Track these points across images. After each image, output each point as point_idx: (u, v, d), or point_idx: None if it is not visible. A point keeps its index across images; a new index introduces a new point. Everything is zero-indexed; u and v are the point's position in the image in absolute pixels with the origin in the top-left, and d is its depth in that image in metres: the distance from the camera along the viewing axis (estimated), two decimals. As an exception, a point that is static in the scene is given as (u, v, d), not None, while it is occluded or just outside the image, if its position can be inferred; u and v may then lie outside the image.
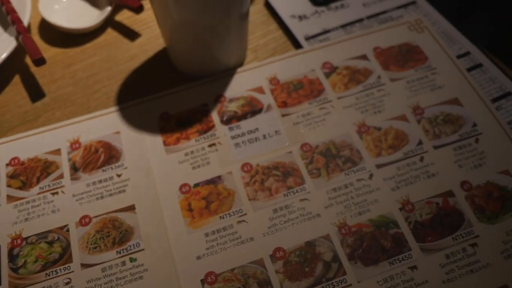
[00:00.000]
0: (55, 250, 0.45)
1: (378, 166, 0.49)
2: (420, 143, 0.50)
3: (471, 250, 0.44)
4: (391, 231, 0.45)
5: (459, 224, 0.45)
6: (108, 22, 0.62)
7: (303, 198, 0.47)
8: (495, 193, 0.47)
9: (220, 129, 0.52)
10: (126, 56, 0.59)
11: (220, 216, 0.46)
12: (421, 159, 0.49)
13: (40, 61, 0.53)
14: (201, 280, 0.43)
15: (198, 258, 0.44)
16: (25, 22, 0.57)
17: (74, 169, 0.50)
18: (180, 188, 0.48)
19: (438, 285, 0.42)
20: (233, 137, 0.51)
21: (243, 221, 0.46)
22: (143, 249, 0.45)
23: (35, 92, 0.56)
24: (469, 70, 0.56)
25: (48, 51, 0.59)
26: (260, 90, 0.54)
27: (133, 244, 0.45)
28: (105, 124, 0.53)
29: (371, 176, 0.48)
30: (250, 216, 0.46)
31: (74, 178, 0.49)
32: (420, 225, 0.45)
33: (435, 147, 0.50)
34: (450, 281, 0.43)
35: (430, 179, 0.48)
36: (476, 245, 0.44)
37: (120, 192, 0.48)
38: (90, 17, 0.61)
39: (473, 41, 0.58)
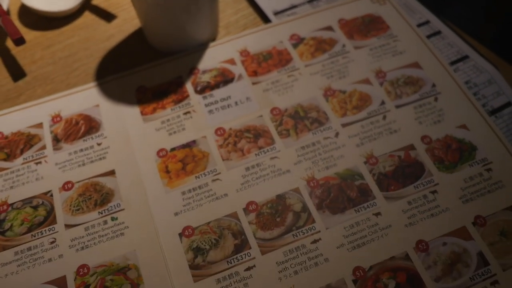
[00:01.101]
0: (39, 213, 0.48)
1: (344, 125, 0.52)
2: (382, 103, 0.53)
3: (431, 197, 0.47)
4: (357, 182, 0.48)
5: (420, 174, 0.49)
6: (85, 6, 0.65)
7: (274, 156, 0.50)
8: (453, 145, 0.51)
9: (194, 98, 0.55)
10: (103, 37, 0.61)
11: (195, 176, 0.49)
12: (384, 117, 0.52)
13: (20, 41, 0.56)
14: (179, 234, 0.46)
15: (176, 214, 0.47)
16: (5, 7, 0.59)
17: (56, 140, 0.52)
18: (158, 152, 0.51)
19: (401, 229, 0.45)
20: (206, 105, 0.54)
21: (218, 179, 0.49)
22: (123, 209, 0.48)
23: (17, 72, 0.59)
24: (428, 37, 0.60)
25: (28, 34, 0.62)
26: (231, 61, 0.57)
27: (114, 205, 0.48)
28: (85, 98, 0.55)
29: (337, 134, 0.51)
30: (224, 175, 0.49)
31: (56, 148, 0.52)
32: (383, 176, 0.49)
33: (397, 106, 0.53)
34: (412, 225, 0.46)
35: (392, 135, 0.51)
36: (436, 192, 0.48)
37: (100, 159, 0.51)
38: (68, 0, 0.63)
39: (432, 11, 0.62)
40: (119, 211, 0.47)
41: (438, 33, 0.60)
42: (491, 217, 0.47)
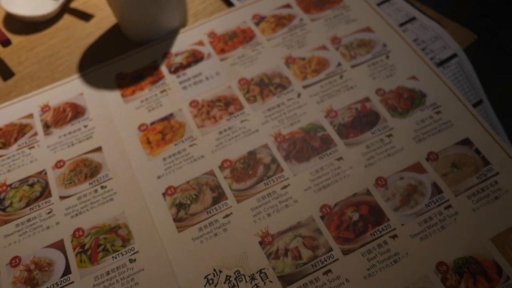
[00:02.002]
0: (36, 190, 0.53)
1: (305, 87, 0.57)
2: (339, 65, 0.59)
3: (387, 140, 0.53)
4: (319, 134, 0.54)
5: (376, 121, 0.54)
6: (64, 9, 0.71)
7: (243, 119, 0.55)
8: (405, 94, 0.56)
9: (169, 78, 0.60)
10: (83, 34, 0.67)
11: (174, 144, 0.54)
12: (341, 77, 0.58)
13: (6, 42, 0.61)
14: (163, 194, 0.51)
15: (159, 177, 0.52)
16: (-10, 15, 0.65)
17: (46, 126, 0.58)
18: (139, 127, 0.56)
19: (361, 169, 0.51)
20: (180, 83, 0.59)
21: (194, 144, 0.54)
22: (111, 178, 0.53)
23: (5, 73, 0.64)
24: (378, 5, 0.65)
25: (13, 39, 0.68)
26: (200, 43, 0.63)
27: (103, 176, 0.53)
28: (70, 89, 0.61)
29: (299, 95, 0.57)
30: (200, 140, 0.54)
31: (47, 133, 0.57)
32: (343, 126, 0.54)
33: (352, 66, 0.59)
34: (371, 165, 0.51)
35: (349, 91, 0.57)
36: (391, 135, 0.53)
37: (87, 138, 0.56)
38: (48, 5, 0.69)
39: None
40: (107, 180, 0.53)
41: (387, 1, 0.66)
42: (442, 152, 0.52)
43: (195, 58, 0.61)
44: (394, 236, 0.47)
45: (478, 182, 0.49)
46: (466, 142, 0.52)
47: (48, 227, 0.50)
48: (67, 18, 0.69)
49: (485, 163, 0.50)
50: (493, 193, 0.49)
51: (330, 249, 0.46)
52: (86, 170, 0.53)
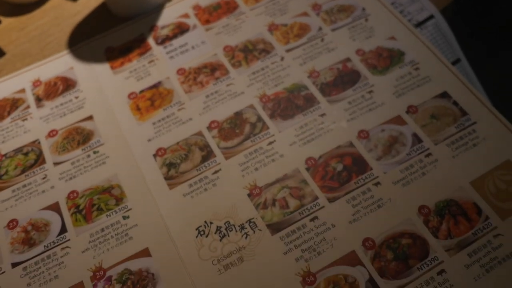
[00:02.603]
0: (30, 158, 0.54)
1: (288, 51, 0.59)
2: (320, 29, 0.61)
3: (368, 96, 0.55)
4: (303, 93, 0.55)
5: (357, 79, 0.56)
6: (52, -10, 0.72)
7: (229, 83, 0.57)
8: (384, 53, 0.58)
9: (156, 49, 0.62)
10: (71, 13, 0.69)
11: (163, 109, 0.56)
12: (322, 40, 0.60)
13: (-4, 21, 0.63)
14: (153, 155, 0.53)
15: (149, 140, 0.54)
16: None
17: (38, 100, 0.60)
18: (129, 95, 0.58)
19: (344, 123, 0.53)
20: (167, 53, 0.61)
21: (182, 108, 0.56)
22: (103, 144, 0.55)
23: (-3, 52, 0.66)
24: (357, -27, 0.67)
25: (4, 21, 0.69)
26: (186, 16, 0.65)
27: (95, 142, 0.55)
28: (60, 64, 0.63)
29: (282, 58, 0.59)
30: (188, 104, 0.56)
31: (39, 106, 0.59)
32: (325, 85, 0.56)
33: (333, 30, 0.61)
34: (353, 119, 0.53)
35: (330, 52, 0.59)
36: (372, 91, 0.55)
37: (79, 108, 0.58)
38: (36, -13, 0.71)
39: None
40: (99, 146, 0.54)
41: (365, -31, 0.68)
42: (422, 105, 0.54)
43: (181, 29, 0.63)
44: (377, 184, 0.48)
45: (457, 131, 0.51)
46: (444, 95, 0.54)
47: (43, 191, 0.51)
48: (54, 0, 0.71)
49: (462, 114, 0.52)
50: (471, 140, 0.51)
51: (316, 198, 0.48)
52: (79, 137, 0.55)
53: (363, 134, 0.51)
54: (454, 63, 0.61)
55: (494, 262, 0.44)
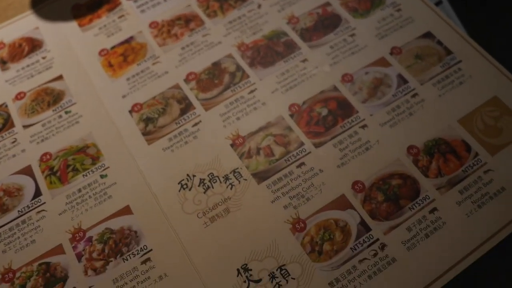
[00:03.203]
0: (-3, 122, 0.51)
1: (264, -2, 0.57)
2: (297, -26, 0.58)
3: (350, 39, 0.53)
4: (282, 39, 0.53)
5: (338, 23, 0.54)
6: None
7: (205, 34, 0.54)
8: (364, -4, 0.56)
9: (126, 4, 0.59)
10: (33, -28, 0.65)
11: (137, 64, 0.53)
12: (300, -15, 0.57)
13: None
14: (129, 111, 0.50)
15: (124, 96, 0.51)
16: None
17: (3, 62, 0.56)
18: (99, 52, 0.55)
19: (326, 68, 0.51)
20: (138, 7, 0.58)
21: (157, 62, 0.53)
22: (75, 103, 0.52)
23: (-44, 16, 0.62)
24: None
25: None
26: (155, -32, 0.62)
27: (66, 101, 0.52)
28: (24, 24, 0.59)
29: (259, 6, 0.56)
30: (163, 57, 0.53)
31: (4, 69, 0.55)
32: (305, 31, 0.54)
33: (310, -25, 0.58)
34: (336, 63, 0.51)
35: (309, -3, 0.56)
36: (354, 35, 0.53)
37: (47, 69, 0.55)
38: None
39: None
40: (71, 105, 0.51)
41: None
42: (406, 46, 0.52)
43: (151, -18, 0.59)
44: (364, 126, 0.47)
45: (442, 70, 0.50)
46: (428, 35, 0.52)
47: (14, 155, 0.49)
48: (14, -41, 0.66)
49: (447, 53, 0.51)
50: (457, 79, 0.49)
51: (302, 144, 0.46)
52: (49, 98, 0.52)
53: (347, 78, 0.49)
54: (436, 4, 0.59)
55: (486, 198, 0.43)
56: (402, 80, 0.49)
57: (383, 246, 0.41)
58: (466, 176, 0.44)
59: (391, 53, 0.51)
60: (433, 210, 0.42)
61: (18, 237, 0.44)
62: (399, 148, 0.45)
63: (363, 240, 0.41)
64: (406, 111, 0.47)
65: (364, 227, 0.42)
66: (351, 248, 0.41)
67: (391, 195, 0.43)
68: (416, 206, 0.42)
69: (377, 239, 0.41)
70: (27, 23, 0.59)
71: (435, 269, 0.40)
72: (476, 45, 0.51)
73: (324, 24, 0.53)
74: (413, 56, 0.51)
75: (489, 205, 0.42)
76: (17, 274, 0.41)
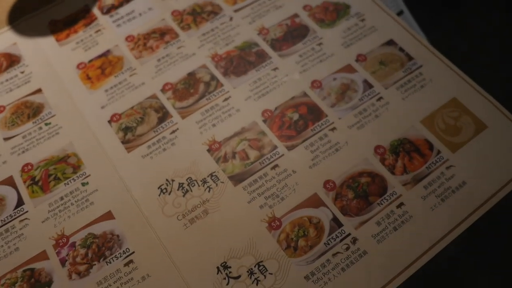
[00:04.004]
0: (-22, 135, 0.52)
1: (236, 11, 0.60)
2: (266, -12, 0.61)
3: (318, 48, 0.56)
4: (254, 50, 0.56)
5: (306, 33, 0.57)
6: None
7: (180, 46, 0.57)
8: (330, 7, 0.59)
9: (102, 19, 0.61)
10: (9, -10, 0.67)
11: (114, 76, 0.55)
12: (269, -2, 0.60)
13: None
14: (108, 121, 0.52)
15: (102, 107, 0.53)
16: None
17: (-18, 78, 0.57)
18: (77, 66, 0.57)
19: (296, 76, 0.53)
20: (114, 21, 0.60)
21: (134, 74, 0.55)
22: (54, 115, 0.53)
23: None
24: None
25: None
26: (130, -16, 0.64)
27: (46, 114, 0.53)
28: (2, 40, 0.60)
29: (231, 18, 0.59)
30: (139, 69, 0.55)
31: (-17, 84, 0.57)
32: (275, 41, 0.57)
33: (279, -11, 0.61)
34: (305, 71, 0.54)
35: (278, 9, 0.59)
36: (321, 44, 0.56)
37: (26, 83, 0.56)
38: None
39: None
40: (51, 117, 0.53)
41: None
42: (370, 53, 0.55)
43: (126, -2, 0.62)
44: (333, 129, 0.50)
45: (405, 75, 0.53)
46: (390, 42, 0.56)
47: (-5, 167, 0.50)
48: (-10, -23, 0.68)
49: (409, 59, 0.54)
50: (419, 83, 0.53)
51: (275, 147, 0.48)
52: (28, 111, 0.53)
53: (316, 84, 0.52)
54: (398, 14, 0.63)
55: (448, 192, 0.46)
56: (367, 85, 0.52)
57: (354, 240, 0.43)
58: (430, 173, 0.47)
59: (356, 60, 0.54)
60: (400, 205, 0.45)
61: (2, 246, 0.45)
62: (366, 148, 0.48)
63: (336, 235, 0.44)
64: (372, 114, 0.50)
65: (336, 223, 0.44)
66: (324, 243, 0.43)
67: (360, 192, 0.46)
68: (384, 202, 0.45)
69: (349, 234, 0.44)
70: (5, 39, 0.60)
71: (404, 260, 0.42)
72: (435, 51, 0.55)
73: (293, 34, 0.56)
74: (377, 63, 0.54)
75: (452, 198, 0.46)
76: (2, 281, 0.42)
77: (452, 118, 0.50)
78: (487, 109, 0.50)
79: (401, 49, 0.55)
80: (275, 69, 0.54)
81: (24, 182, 0.48)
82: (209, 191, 0.46)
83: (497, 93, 0.51)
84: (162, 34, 0.57)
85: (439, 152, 0.48)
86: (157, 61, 0.55)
